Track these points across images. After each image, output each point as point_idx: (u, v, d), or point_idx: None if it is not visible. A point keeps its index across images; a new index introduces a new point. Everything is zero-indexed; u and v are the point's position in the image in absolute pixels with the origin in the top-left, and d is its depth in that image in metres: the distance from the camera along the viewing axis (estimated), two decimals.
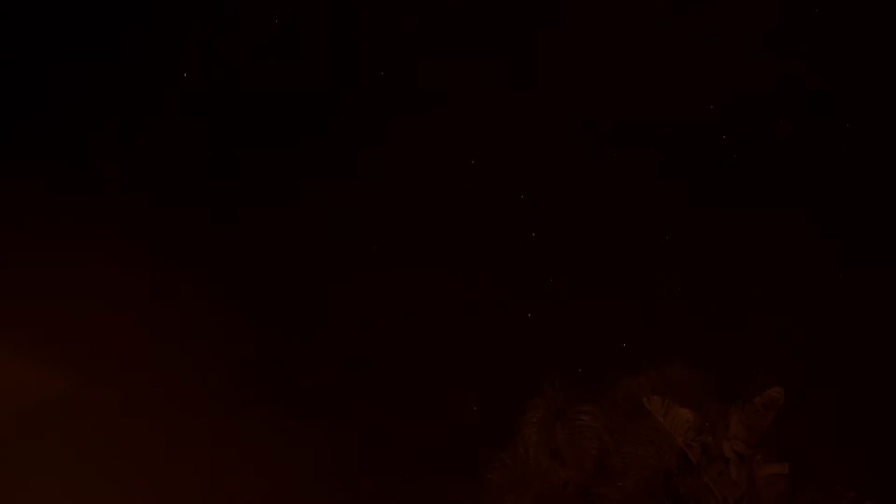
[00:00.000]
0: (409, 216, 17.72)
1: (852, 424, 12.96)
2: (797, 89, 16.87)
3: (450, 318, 16.88)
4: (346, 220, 18.12)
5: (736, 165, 17.57)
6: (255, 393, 17.22)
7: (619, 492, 10.03)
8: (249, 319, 17.74)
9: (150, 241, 17.16)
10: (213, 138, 18.49)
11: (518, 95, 17.73)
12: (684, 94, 16.99)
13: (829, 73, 16.82)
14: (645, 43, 17.30)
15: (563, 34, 17.19)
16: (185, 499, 15.14)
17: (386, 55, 17.92)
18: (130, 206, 17.85)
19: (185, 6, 17.84)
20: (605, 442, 10.41)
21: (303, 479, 16.43)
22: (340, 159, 18.08)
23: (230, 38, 18.03)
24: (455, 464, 13.06)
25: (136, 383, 15.79)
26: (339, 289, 17.77)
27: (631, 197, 17.48)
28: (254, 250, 18.07)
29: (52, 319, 15.71)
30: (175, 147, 18.29)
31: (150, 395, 15.76)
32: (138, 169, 18.11)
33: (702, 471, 10.03)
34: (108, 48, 17.97)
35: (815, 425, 12.18)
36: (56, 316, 15.91)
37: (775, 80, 16.93)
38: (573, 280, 16.88)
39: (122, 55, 17.96)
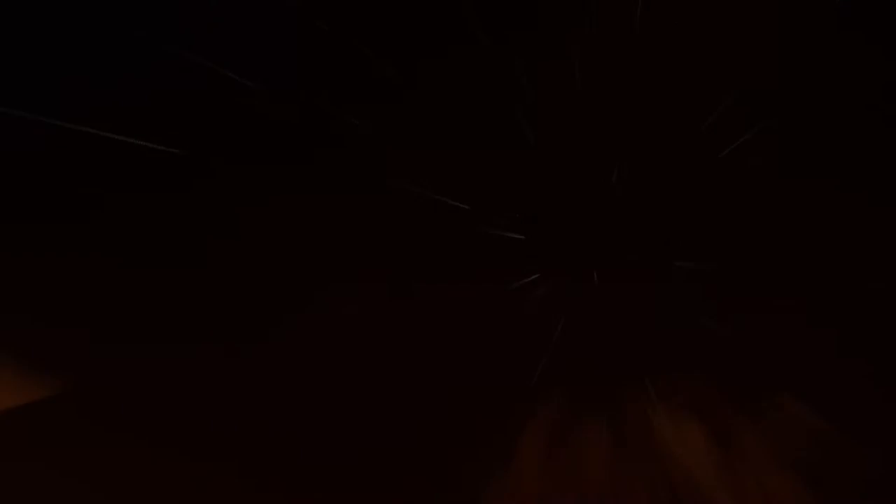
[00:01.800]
0: (399, 224, 17.38)
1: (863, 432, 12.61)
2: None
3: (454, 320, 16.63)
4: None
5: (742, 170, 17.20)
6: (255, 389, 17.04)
7: None
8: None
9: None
10: None
11: None
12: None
13: None
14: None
15: None
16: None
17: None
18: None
19: None
20: (607, 460, 10.20)
21: (301, 477, 16.23)
22: None
23: None
24: (449, 482, 12.81)
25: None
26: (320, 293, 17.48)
27: (636, 198, 17.21)
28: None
29: None
30: None
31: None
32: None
33: (713, 487, 9.85)
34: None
35: (829, 434, 11.83)
36: None
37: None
38: (576, 286, 16.64)
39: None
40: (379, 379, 13.39)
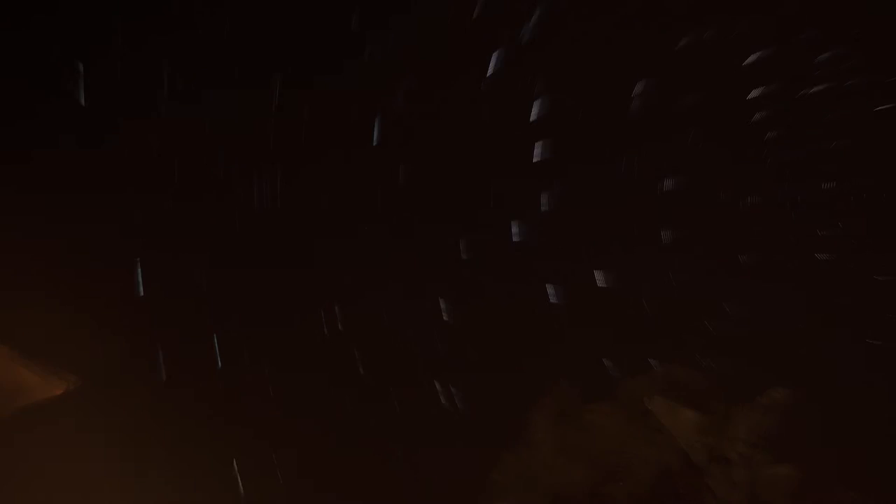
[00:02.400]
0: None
1: (853, 424, 12.98)
2: None
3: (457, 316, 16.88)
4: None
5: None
6: (249, 394, 17.18)
7: (623, 491, 10.03)
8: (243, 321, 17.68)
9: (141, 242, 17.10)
10: None
11: None
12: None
13: None
14: None
15: None
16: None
17: None
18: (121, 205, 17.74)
19: None
20: (609, 442, 10.41)
21: (301, 477, 16.42)
22: None
23: None
24: (459, 463, 13.05)
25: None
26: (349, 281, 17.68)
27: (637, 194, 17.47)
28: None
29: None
30: None
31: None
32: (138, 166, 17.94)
33: (705, 472, 10.04)
34: None
35: (817, 426, 12.19)
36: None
37: None
38: (577, 280, 16.91)
39: None
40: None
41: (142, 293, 17.90)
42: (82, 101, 17.30)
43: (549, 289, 15.37)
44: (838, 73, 15.19)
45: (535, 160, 16.28)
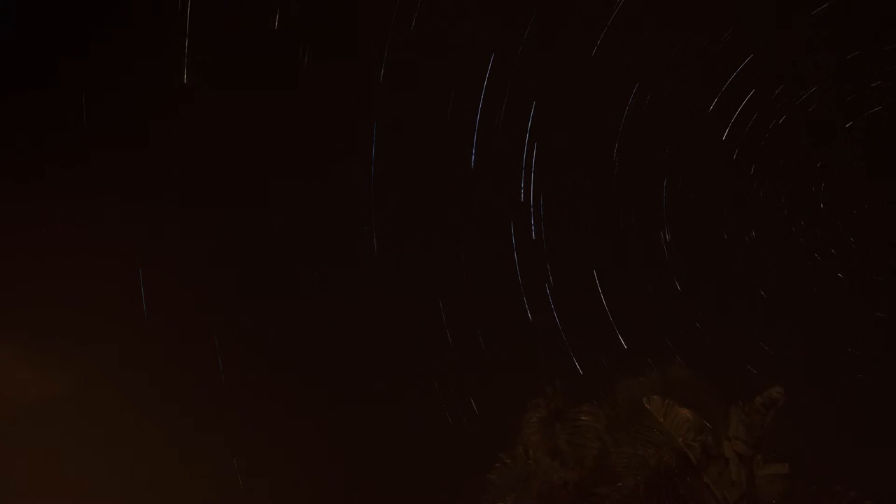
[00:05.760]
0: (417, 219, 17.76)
1: (852, 424, 13.04)
2: None
3: (452, 318, 16.97)
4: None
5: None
6: (255, 392, 17.21)
7: (620, 491, 10.05)
8: (250, 320, 17.74)
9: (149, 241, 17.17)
10: None
11: None
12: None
13: None
14: None
15: None
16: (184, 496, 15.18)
17: None
18: (125, 206, 17.81)
19: None
20: (605, 442, 10.44)
21: (302, 478, 16.45)
22: None
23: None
24: (455, 464, 13.08)
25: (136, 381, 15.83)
26: (343, 283, 17.78)
27: (629, 196, 17.59)
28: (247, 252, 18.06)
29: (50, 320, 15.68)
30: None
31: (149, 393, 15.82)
32: (130, 173, 18.02)
33: (702, 471, 10.06)
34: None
35: (815, 425, 12.24)
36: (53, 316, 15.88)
37: None
38: (573, 280, 16.96)
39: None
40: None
41: (143, 294, 17.98)
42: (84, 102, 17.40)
43: (547, 289, 15.43)
44: (798, 102, 15.61)
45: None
